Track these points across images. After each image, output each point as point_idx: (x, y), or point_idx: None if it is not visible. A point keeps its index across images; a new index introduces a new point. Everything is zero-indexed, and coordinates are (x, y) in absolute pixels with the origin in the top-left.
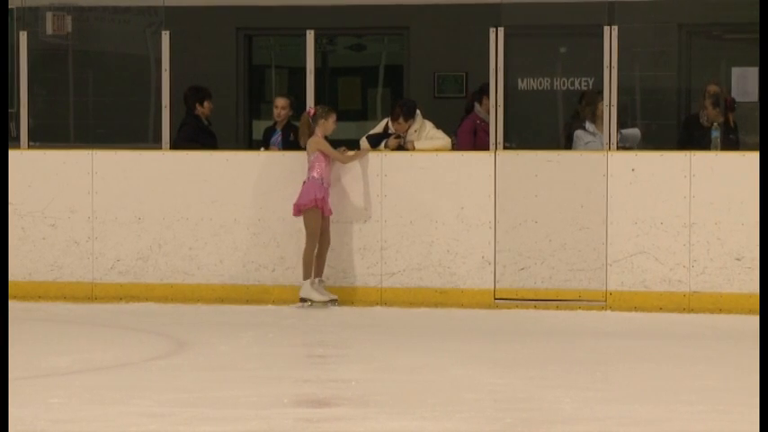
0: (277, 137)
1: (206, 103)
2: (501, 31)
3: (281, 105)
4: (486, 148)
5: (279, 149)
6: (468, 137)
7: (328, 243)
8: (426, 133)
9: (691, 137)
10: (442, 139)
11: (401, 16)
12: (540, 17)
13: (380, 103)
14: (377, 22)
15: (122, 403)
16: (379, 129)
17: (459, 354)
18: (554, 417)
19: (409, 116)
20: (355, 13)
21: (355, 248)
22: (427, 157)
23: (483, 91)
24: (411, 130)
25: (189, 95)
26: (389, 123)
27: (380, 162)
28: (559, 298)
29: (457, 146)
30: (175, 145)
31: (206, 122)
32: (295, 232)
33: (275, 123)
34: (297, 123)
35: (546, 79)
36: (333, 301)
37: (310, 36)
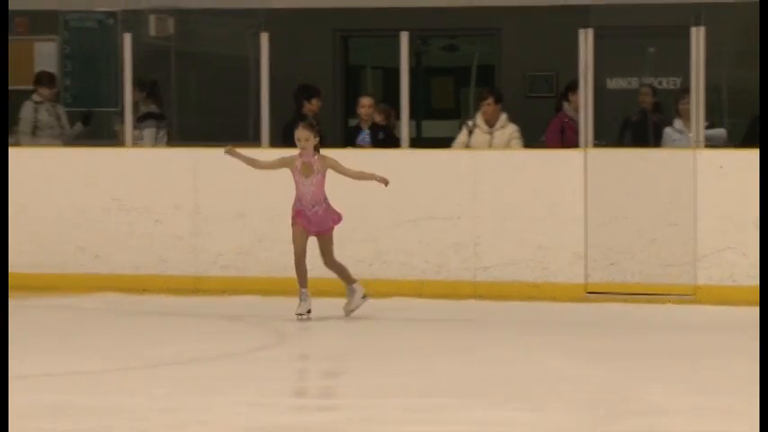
0: (365, 135)
1: (314, 101)
2: (590, 32)
3: (367, 104)
4: (573, 145)
5: (368, 147)
6: (556, 135)
7: (328, 257)
8: (510, 134)
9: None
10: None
11: (493, 18)
12: (628, 18)
13: (473, 102)
14: (470, 23)
15: (225, 393)
16: (463, 136)
17: (552, 346)
18: (645, 408)
19: (499, 100)
20: (449, 14)
21: (449, 244)
22: (520, 156)
23: (570, 89)
24: (497, 125)
25: (298, 93)
26: (476, 115)
27: (474, 161)
28: (649, 292)
29: (546, 144)
30: (284, 142)
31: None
32: (394, 226)
33: (360, 123)
34: (380, 122)
35: (634, 78)
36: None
37: (405, 37)
